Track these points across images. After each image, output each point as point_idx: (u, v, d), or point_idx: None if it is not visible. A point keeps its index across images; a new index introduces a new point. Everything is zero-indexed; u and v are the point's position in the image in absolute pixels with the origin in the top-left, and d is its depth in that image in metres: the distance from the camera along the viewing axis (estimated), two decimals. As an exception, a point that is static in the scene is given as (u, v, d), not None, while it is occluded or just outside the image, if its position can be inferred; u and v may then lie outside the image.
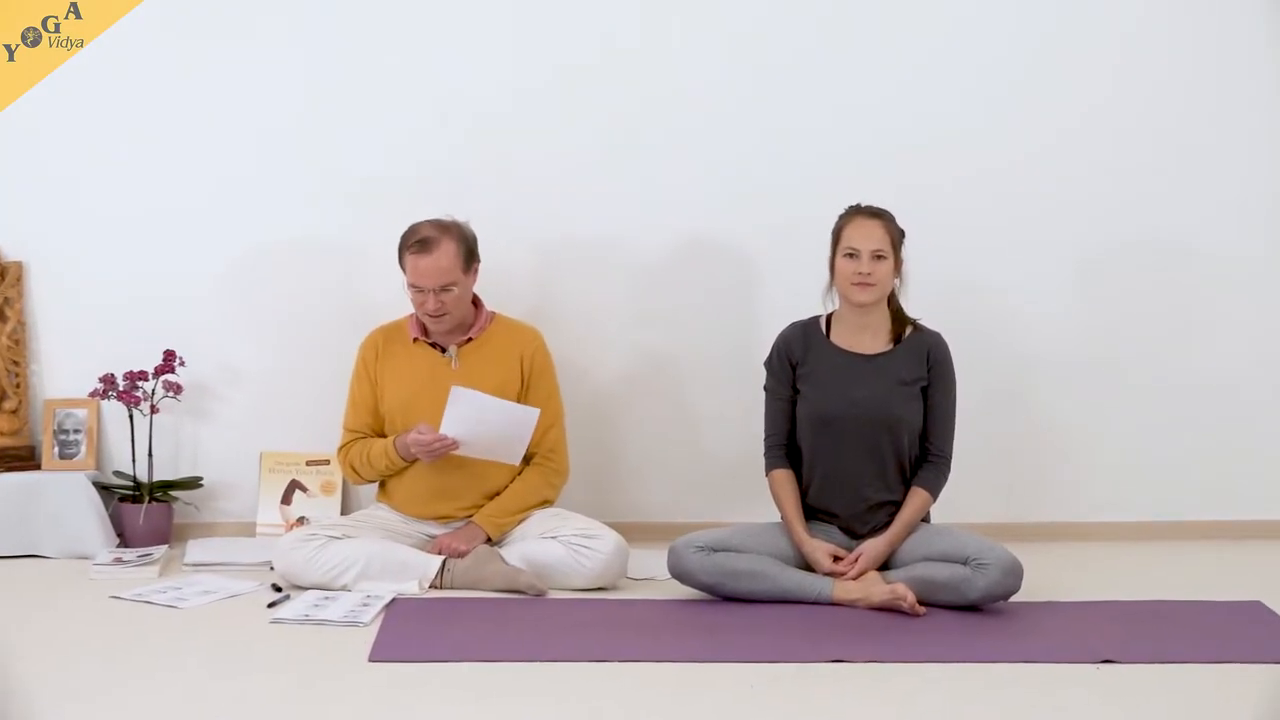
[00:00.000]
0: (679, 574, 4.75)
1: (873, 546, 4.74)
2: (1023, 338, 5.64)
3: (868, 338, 4.84)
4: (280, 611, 4.58)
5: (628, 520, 5.44)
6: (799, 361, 4.86)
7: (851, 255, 4.77)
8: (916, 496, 4.79)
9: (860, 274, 4.75)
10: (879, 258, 4.75)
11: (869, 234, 4.76)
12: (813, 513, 4.86)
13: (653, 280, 5.63)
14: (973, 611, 4.59)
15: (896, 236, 4.80)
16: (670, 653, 4.20)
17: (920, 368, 4.81)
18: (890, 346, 4.83)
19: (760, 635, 4.36)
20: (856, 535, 4.81)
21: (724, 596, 4.71)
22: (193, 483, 5.56)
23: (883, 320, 4.84)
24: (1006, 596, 4.60)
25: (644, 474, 5.70)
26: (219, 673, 4.06)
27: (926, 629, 4.45)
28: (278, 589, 4.82)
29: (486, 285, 5.14)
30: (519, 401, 5.06)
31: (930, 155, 5.58)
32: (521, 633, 4.39)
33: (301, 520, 5.50)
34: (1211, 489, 5.68)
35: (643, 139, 5.57)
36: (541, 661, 4.12)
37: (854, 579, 4.69)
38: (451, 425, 4.89)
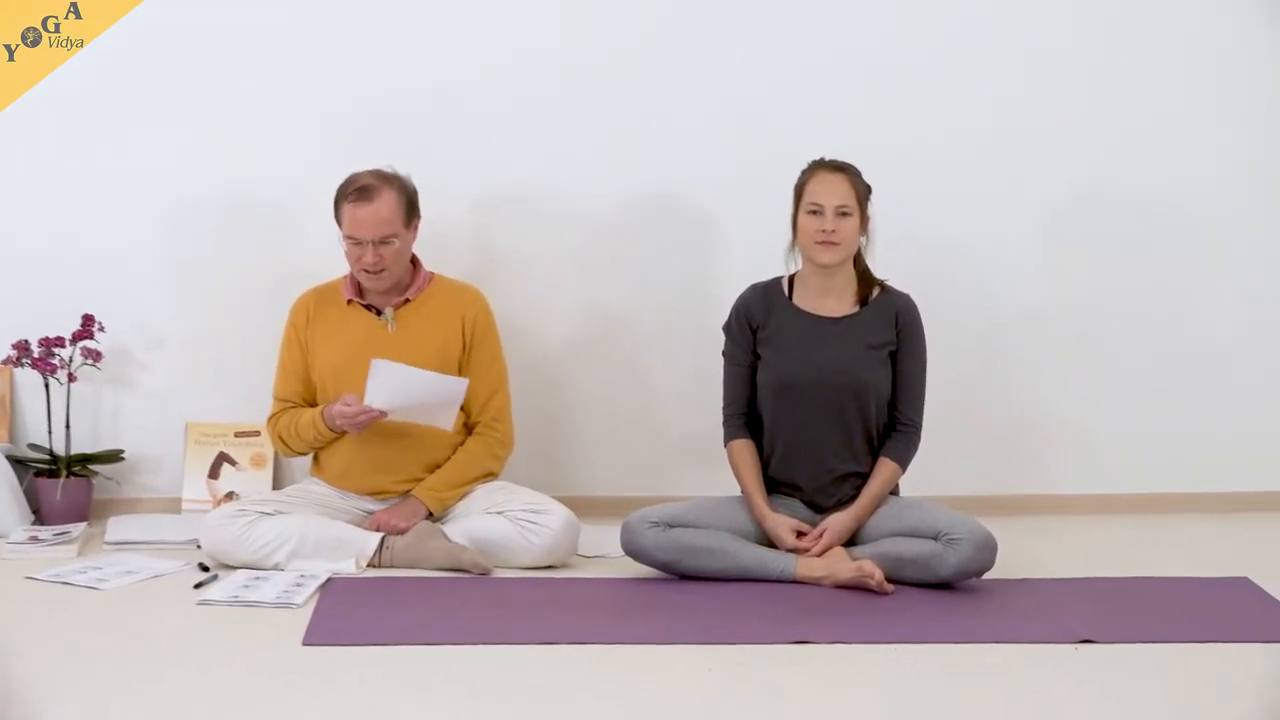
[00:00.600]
0: (633, 551, 4.69)
1: (838, 521, 4.68)
2: (997, 303, 5.61)
3: (832, 300, 4.79)
4: (208, 592, 4.53)
5: (578, 494, 5.41)
6: (759, 325, 4.81)
7: (814, 212, 4.71)
8: (884, 467, 4.74)
9: (824, 231, 4.69)
10: (844, 214, 4.70)
11: (833, 189, 4.71)
12: (775, 485, 4.81)
13: (603, 236, 5.57)
14: (944, 589, 4.56)
15: (862, 192, 4.74)
16: (623, 634, 4.16)
17: (888, 331, 4.75)
18: (856, 309, 4.78)
19: (719, 616, 4.33)
20: (821, 509, 4.76)
21: (680, 574, 4.66)
22: (113, 456, 5.48)
23: (848, 281, 4.79)
24: (979, 573, 4.56)
25: (595, 445, 5.65)
26: (143, 658, 4.00)
27: (895, 608, 4.42)
28: (205, 568, 4.77)
29: (421, 243, 5.06)
30: (460, 365, 5.02)
31: (900, 110, 5.54)
32: (465, 614, 4.35)
33: (230, 495, 5.45)
34: (1195, 460, 5.68)
35: (594, 85, 5.51)
36: (486, 645, 4.08)
37: (818, 555, 4.63)
38: (375, 398, 4.83)
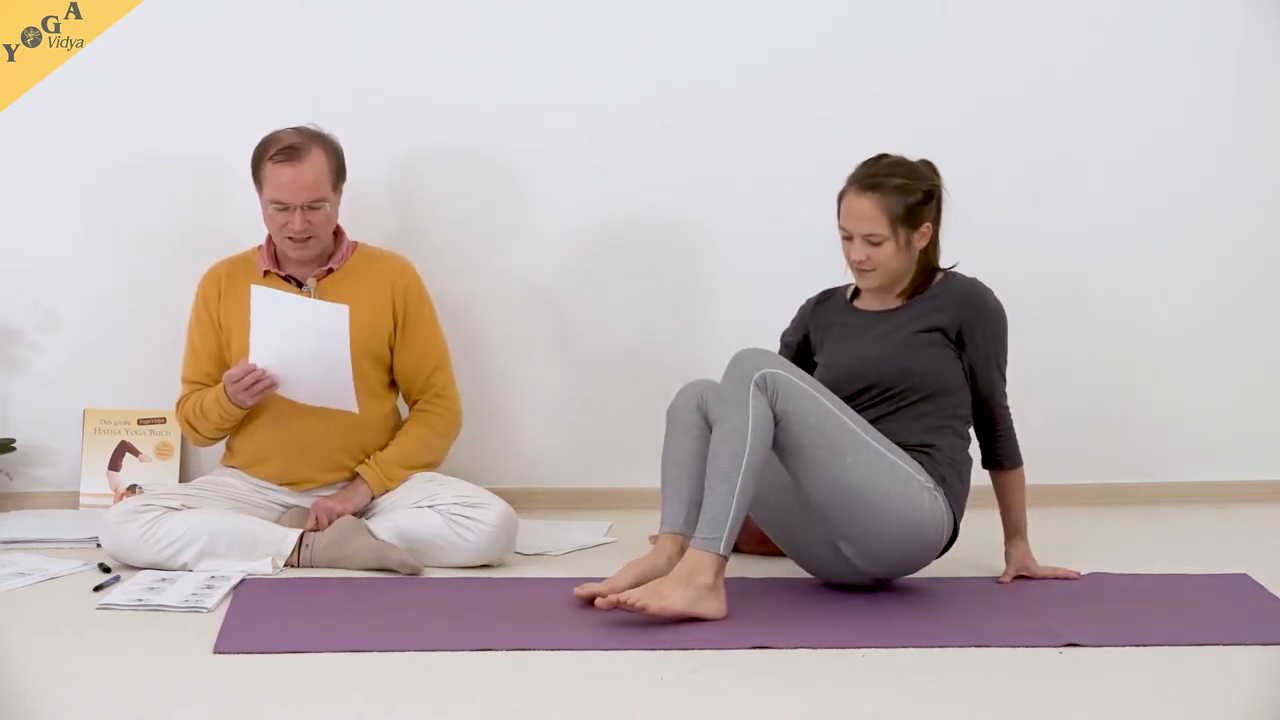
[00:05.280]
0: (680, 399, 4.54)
1: (1020, 551, 4.70)
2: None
3: (885, 297, 4.68)
4: (109, 595, 4.50)
5: (515, 486, 5.40)
6: (814, 328, 4.77)
7: (846, 238, 4.59)
8: (1013, 480, 4.71)
9: (855, 260, 4.59)
10: (874, 243, 4.54)
11: (860, 215, 4.54)
12: None
13: (539, 199, 5.56)
14: (915, 590, 4.57)
15: (899, 211, 4.52)
16: (566, 640, 4.16)
17: (942, 315, 4.58)
18: (909, 301, 4.65)
19: (670, 619, 4.28)
20: None
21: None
22: (4, 446, 5.44)
23: (907, 281, 4.66)
24: None
25: (533, 431, 5.64)
26: (38, 667, 3.97)
27: (862, 610, 4.42)
28: (106, 569, 4.76)
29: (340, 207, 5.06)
30: (392, 341, 5.03)
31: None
32: (392, 618, 4.34)
33: (133, 489, 5.43)
34: (1187, 446, 5.70)
35: (527, 39, 5.50)
36: (416, 651, 4.08)
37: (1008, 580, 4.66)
38: (260, 343, 4.80)
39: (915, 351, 4.56)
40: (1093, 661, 4.02)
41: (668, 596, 4.24)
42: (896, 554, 4.45)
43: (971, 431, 4.65)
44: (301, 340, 4.82)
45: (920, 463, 4.46)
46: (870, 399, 4.56)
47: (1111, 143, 5.60)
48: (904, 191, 4.53)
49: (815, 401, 4.36)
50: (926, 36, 5.53)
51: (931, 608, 4.44)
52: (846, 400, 4.51)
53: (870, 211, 4.52)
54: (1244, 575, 4.70)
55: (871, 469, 4.38)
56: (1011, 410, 4.66)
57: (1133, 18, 5.55)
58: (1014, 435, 4.68)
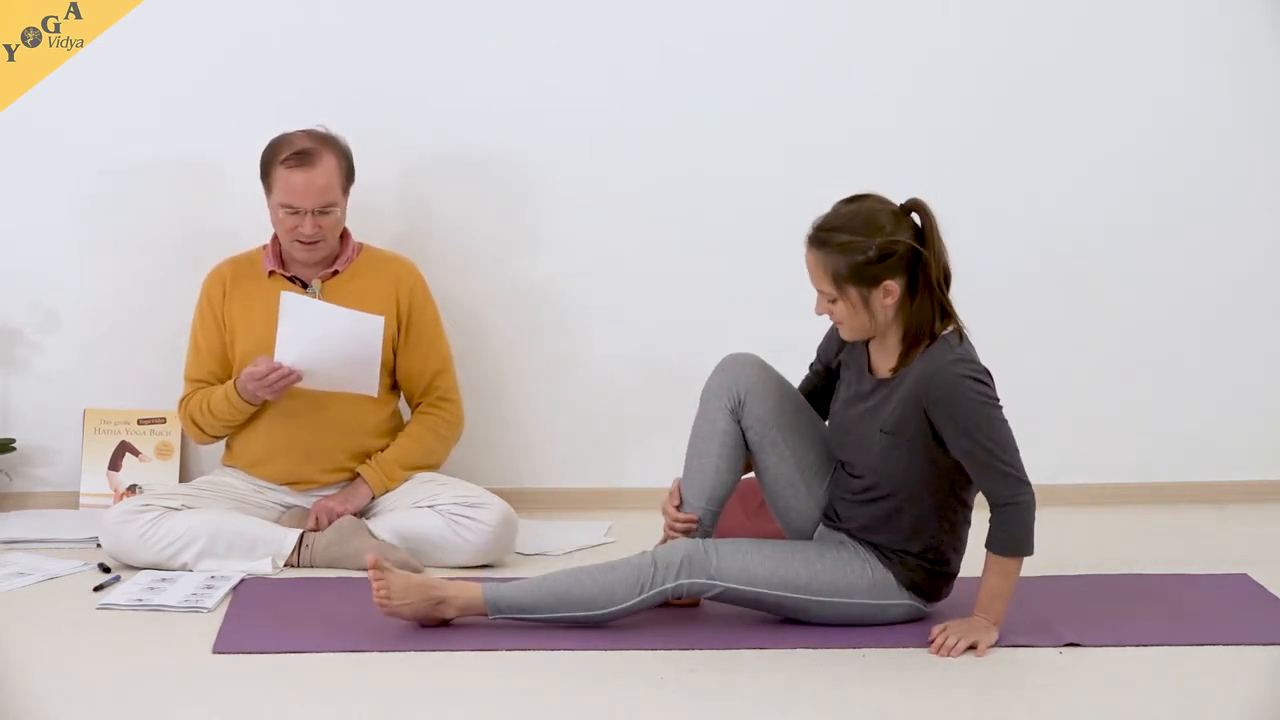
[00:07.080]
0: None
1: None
2: (965, 272, 5.59)
3: (883, 356, 4.26)
4: (109, 595, 4.51)
5: (515, 486, 5.41)
6: (839, 364, 4.41)
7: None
8: (989, 565, 4.12)
9: (820, 314, 4.25)
10: (829, 300, 4.16)
11: (809, 269, 4.17)
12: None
13: (544, 201, 5.55)
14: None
15: (843, 270, 4.07)
16: (567, 640, 4.15)
17: (910, 410, 4.12)
18: (893, 375, 4.20)
19: (671, 620, 4.32)
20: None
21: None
22: (4, 446, 5.43)
23: (898, 340, 4.21)
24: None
25: (533, 431, 5.63)
26: (38, 667, 3.97)
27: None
28: (106, 569, 4.76)
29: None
30: (396, 343, 5.01)
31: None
32: (393, 618, 4.28)
33: (133, 489, 5.42)
34: (1186, 446, 5.69)
35: (529, 39, 5.49)
36: (416, 652, 4.07)
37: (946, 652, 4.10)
38: (287, 346, 4.80)
39: (879, 452, 4.18)
40: (1093, 661, 4.03)
41: (404, 595, 4.19)
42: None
43: (971, 515, 4.30)
44: (333, 345, 4.82)
45: (893, 572, 4.22)
46: (852, 474, 4.28)
47: (1110, 143, 5.59)
48: (847, 250, 4.09)
49: (740, 591, 4.19)
50: (926, 36, 5.53)
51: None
52: (839, 476, 4.32)
53: (814, 268, 4.15)
54: (1244, 575, 4.70)
55: (822, 610, 4.23)
56: (1028, 495, 4.11)
57: (1132, 17, 5.55)
58: (1008, 519, 4.09)
